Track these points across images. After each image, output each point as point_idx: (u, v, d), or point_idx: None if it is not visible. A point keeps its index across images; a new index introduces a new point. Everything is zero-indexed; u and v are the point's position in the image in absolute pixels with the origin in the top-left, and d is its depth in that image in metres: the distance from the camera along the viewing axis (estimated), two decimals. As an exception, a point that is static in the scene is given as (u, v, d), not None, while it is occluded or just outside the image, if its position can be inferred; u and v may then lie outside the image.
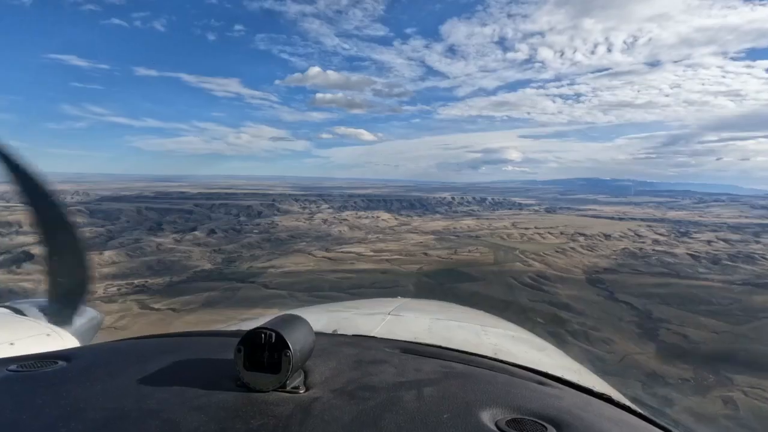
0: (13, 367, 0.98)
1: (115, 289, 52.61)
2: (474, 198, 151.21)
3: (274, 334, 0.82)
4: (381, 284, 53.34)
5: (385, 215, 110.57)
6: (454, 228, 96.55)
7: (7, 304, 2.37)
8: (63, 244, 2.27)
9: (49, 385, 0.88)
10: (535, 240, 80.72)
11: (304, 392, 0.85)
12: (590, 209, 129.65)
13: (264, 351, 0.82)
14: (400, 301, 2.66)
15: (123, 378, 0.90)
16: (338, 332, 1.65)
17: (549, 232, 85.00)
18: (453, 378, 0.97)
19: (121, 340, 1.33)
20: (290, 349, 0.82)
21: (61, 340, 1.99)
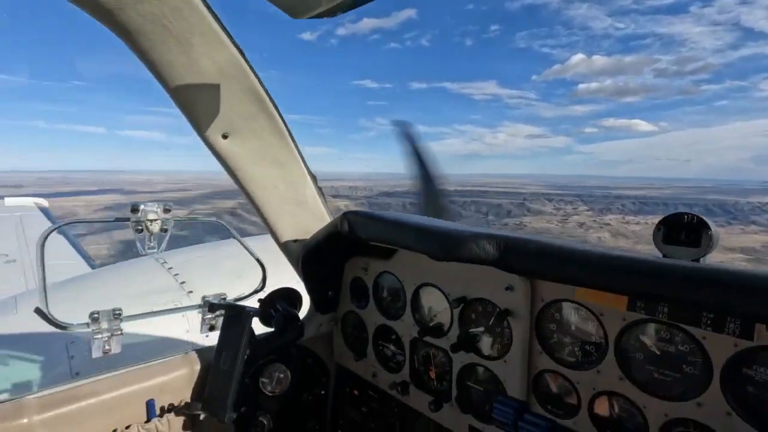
0: None
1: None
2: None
3: (695, 218, 0.97)
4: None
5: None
6: (782, 246, 69.04)
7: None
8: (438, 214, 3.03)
9: None
10: None
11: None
12: None
13: (681, 231, 0.99)
14: None
15: None
16: None
17: None
18: None
19: None
20: (711, 229, 0.95)
21: None
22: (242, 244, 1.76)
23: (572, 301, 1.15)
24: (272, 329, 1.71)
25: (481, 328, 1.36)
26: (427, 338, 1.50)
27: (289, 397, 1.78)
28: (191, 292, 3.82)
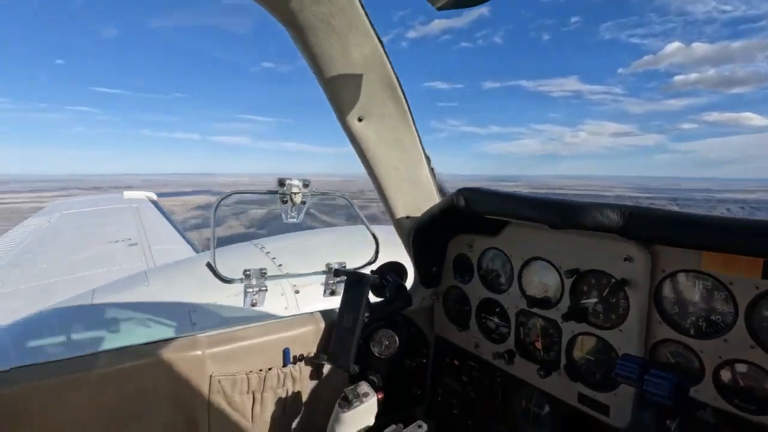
0: None
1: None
2: None
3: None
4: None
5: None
6: None
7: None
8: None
9: None
10: None
11: None
12: None
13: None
14: None
15: None
16: None
17: None
18: None
19: None
20: None
21: None
22: (360, 217, 1.96)
23: (698, 272, 1.17)
24: (381, 299, 1.89)
25: (594, 300, 1.41)
26: (535, 309, 1.58)
27: (395, 362, 1.95)
28: (265, 289, 4.25)
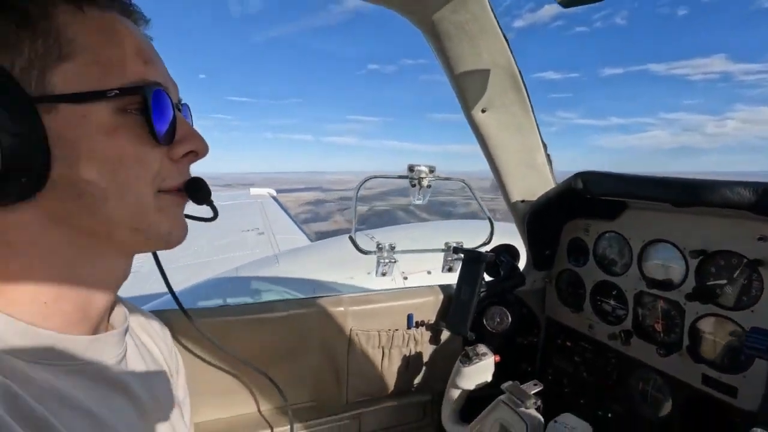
0: None
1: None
2: None
3: None
4: None
5: None
6: None
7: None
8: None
9: None
10: None
11: None
12: None
13: None
14: None
15: None
16: None
17: None
18: None
19: None
20: None
21: None
22: (476, 198, 2.14)
23: None
24: (493, 278, 2.05)
25: (723, 281, 1.39)
26: (654, 291, 1.60)
27: (507, 338, 2.09)
28: (395, 261, 4.60)
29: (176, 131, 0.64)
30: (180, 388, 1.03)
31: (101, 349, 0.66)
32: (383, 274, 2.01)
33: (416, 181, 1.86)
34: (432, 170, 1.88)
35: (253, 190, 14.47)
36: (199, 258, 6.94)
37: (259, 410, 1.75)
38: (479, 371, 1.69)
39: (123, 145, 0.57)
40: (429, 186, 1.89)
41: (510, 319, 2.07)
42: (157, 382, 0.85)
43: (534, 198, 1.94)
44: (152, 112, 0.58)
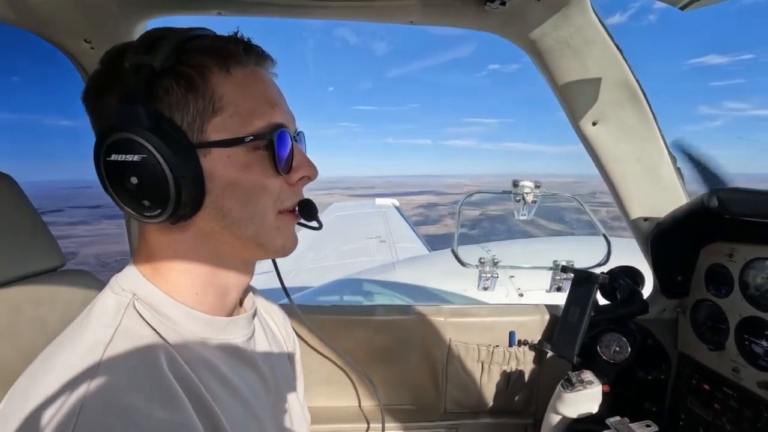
0: None
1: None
2: None
3: None
4: None
5: None
6: None
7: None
8: None
9: None
10: None
11: None
12: None
13: None
14: None
15: None
16: None
17: None
18: None
19: None
20: None
21: None
22: (591, 218, 2.00)
23: None
24: (609, 302, 1.87)
25: None
26: None
27: (625, 370, 1.88)
28: (512, 276, 4.46)
29: (293, 161, 0.74)
30: (297, 371, 1.23)
31: (234, 329, 0.84)
32: (485, 289, 2.02)
33: (520, 197, 1.83)
34: (538, 186, 1.83)
35: (378, 200, 15.45)
36: (326, 262, 7.71)
37: (359, 405, 1.93)
38: (582, 399, 1.58)
39: (255, 178, 0.69)
40: (534, 201, 1.84)
41: (630, 349, 1.86)
42: (279, 362, 1.03)
43: (660, 216, 1.73)
44: (276, 148, 0.69)
